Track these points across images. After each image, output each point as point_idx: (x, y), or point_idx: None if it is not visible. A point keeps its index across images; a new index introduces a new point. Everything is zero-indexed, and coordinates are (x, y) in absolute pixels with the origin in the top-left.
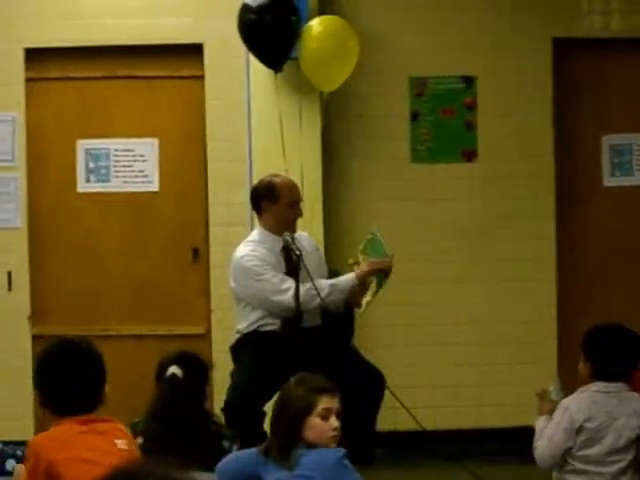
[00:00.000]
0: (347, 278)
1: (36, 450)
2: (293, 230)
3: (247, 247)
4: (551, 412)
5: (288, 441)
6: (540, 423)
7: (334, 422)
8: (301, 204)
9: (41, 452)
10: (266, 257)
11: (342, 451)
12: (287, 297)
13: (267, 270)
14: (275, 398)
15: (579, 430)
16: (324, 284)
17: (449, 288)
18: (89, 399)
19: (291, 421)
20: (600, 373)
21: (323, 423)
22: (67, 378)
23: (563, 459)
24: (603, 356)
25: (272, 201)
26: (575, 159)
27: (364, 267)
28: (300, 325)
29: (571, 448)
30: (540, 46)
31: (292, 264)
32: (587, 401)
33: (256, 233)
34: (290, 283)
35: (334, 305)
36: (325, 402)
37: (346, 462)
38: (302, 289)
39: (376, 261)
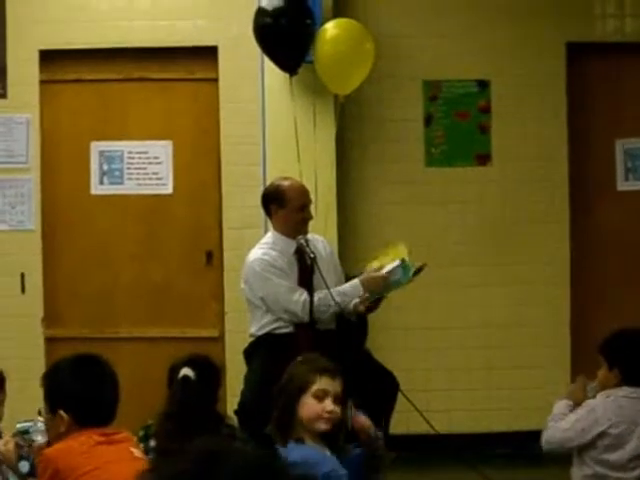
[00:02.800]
0: (353, 285)
1: (52, 461)
2: (304, 232)
3: (259, 250)
4: (577, 403)
5: (283, 417)
6: (560, 406)
7: (329, 405)
8: (311, 206)
9: (58, 463)
10: (277, 261)
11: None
12: (298, 308)
13: (275, 277)
14: None
15: (602, 435)
16: (335, 293)
17: (463, 291)
18: (109, 412)
19: (287, 397)
20: (627, 378)
21: (316, 403)
22: (92, 391)
23: (583, 461)
24: (631, 361)
25: (280, 205)
26: (589, 163)
27: (375, 277)
28: (313, 329)
29: (586, 447)
30: (554, 50)
31: (305, 267)
32: (613, 406)
33: (269, 236)
34: (300, 295)
35: (346, 314)
36: (322, 383)
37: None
38: (316, 297)
39: (377, 276)
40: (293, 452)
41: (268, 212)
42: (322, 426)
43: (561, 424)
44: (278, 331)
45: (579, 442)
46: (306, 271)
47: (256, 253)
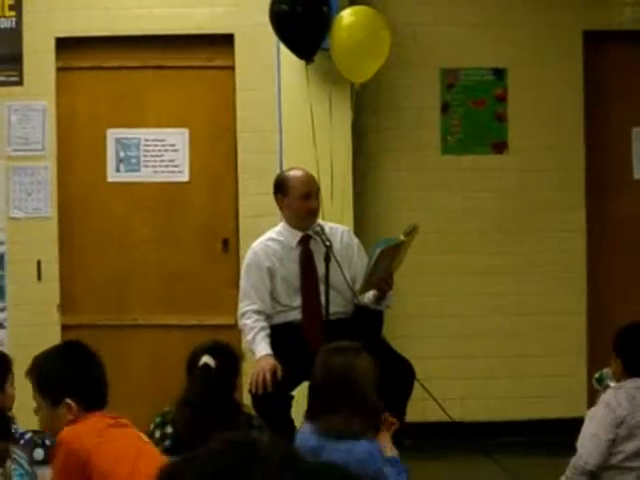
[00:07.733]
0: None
1: (68, 442)
2: (312, 222)
3: (260, 239)
4: None
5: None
6: None
7: None
8: (318, 195)
9: (75, 443)
10: (261, 261)
11: (372, 444)
12: (238, 313)
13: (248, 274)
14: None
15: (619, 425)
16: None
17: (479, 279)
18: (105, 394)
19: (336, 387)
20: (627, 368)
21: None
22: (89, 374)
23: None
24: (630, 352)
25: (284, 194)
26: (605, 151)
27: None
28: (322, 317)
29: (613, 441)
30: (571, 39)
31: (308, 260)
32: (625, 397)
33: (279, 226)
34: (245, 305)
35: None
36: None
37: (375, 453)
38: (245, 327)
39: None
40: (361, 447)
41: (277, 202)
42: None
43: (588, 432)
44: (287, 319)
45: (609, 437)
46: (309, 263)
47: (255, 243)
